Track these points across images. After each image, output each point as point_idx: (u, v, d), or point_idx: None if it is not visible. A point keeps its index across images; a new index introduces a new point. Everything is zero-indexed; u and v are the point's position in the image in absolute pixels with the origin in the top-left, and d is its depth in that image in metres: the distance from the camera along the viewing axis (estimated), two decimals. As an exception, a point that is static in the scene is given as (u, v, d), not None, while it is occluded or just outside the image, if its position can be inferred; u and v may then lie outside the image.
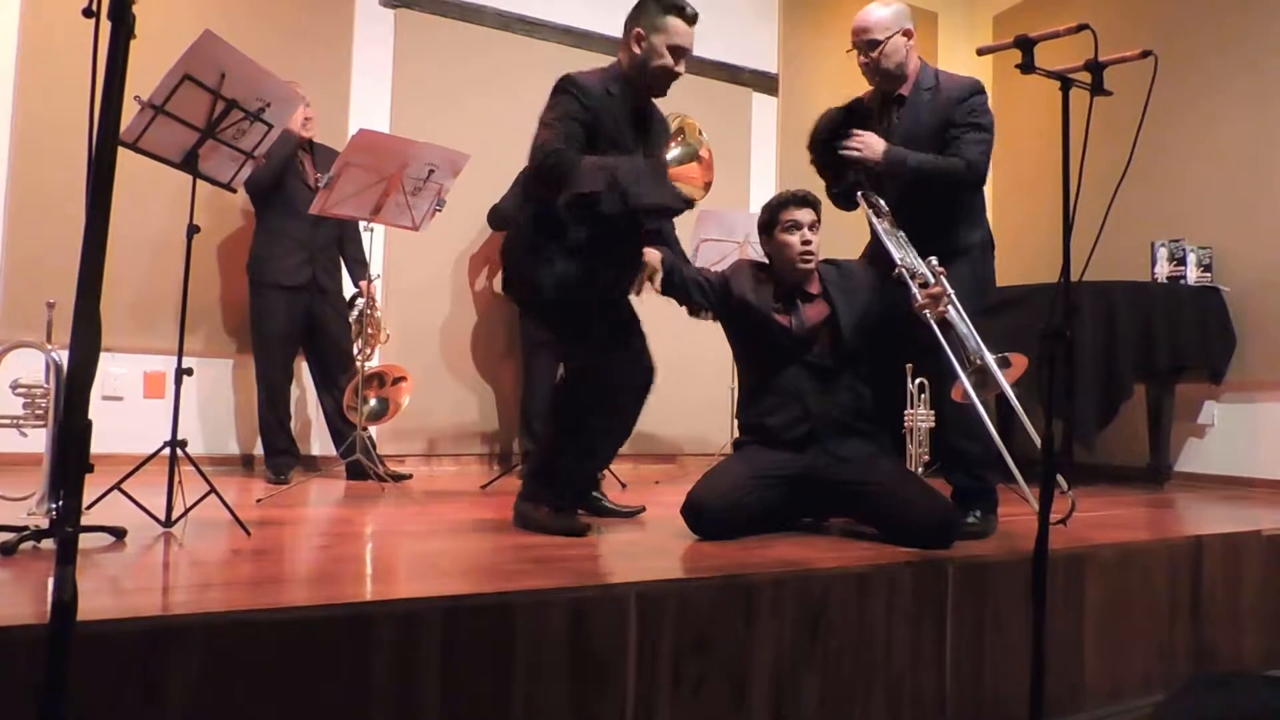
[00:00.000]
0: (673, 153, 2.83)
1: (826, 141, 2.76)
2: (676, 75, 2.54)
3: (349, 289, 4.01)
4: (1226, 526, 2.96)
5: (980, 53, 2.11)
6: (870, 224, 2.64)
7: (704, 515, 2.40)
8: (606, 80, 2.53)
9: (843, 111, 2.79)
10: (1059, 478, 2.39)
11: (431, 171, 3.40)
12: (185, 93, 2.35)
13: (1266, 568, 2.77)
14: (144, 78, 1.98)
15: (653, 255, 2.55)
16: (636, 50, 2.52)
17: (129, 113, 1.96)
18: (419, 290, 4.51)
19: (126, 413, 3.85)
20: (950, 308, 2.37)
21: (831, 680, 1.97)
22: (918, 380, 3.73)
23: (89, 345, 1.08)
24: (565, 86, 2.48)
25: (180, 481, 2.36)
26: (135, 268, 3.90)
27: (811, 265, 2.61)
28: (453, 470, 4.49)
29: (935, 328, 2.36)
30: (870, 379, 2.64)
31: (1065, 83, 1.82)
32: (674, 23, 2.49)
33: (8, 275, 3.74)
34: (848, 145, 2.66)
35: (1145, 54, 1.81)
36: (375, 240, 3.84)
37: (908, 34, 2.67)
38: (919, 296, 2.38)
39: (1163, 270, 4.53)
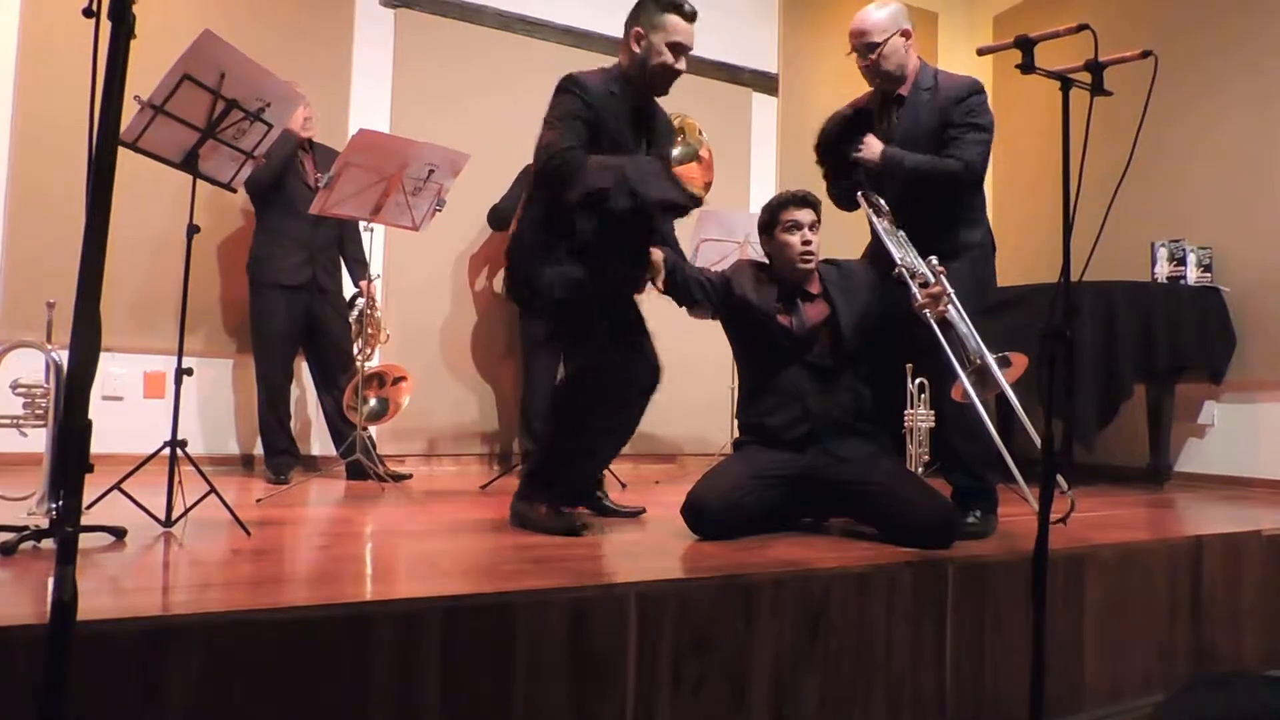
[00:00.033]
0: (673, 152, 2.84)
1: (834, 144, 2.76)
2: (677, 73, 2.53)
3: (349, 289, 4.01)
4: (1226, 526, 2.96)
5: (980, 53, 2.11)
6: (870, 224, 2.64)
7: (704, 515, 2.40)
8: (608, 80, 2.53)
9: (851, 115, 2.78)
10: (1059, 478, 2.39)
11: (431, 171, 3.40)
12: (185, 92, 2.35)
13: (1266, 568, 2.77)
14: (144, 78, 1.98)
15: (655, 255, 2.55)
16: (636, 49, 2.52)
17: (129, 113, 1.96)
18: (419, 290, 4.51)
19: (126, 413, 3.85)
20: (950, 307, 2.37)
21: (831, 680, 1.97)
22: (918, 380, 3.73)
23: (89, 345, 1.08)
24: (568, 86, 2.48)
25: (180, 481, 2.36)
26: (135, 268, 3.90)
27: (812, 265, 2.62)
28: (453, 470, 4.49)
29: (935, 327, 2.36)
30: (870, 379, 2.64)
31: (1065, 83, 1.82)
32: (673, 20, 2.49)
33: (8, 275, 3.74)
34: (856, 148, 2.67)
35: (1145, 54, 1.81)
36: (375, 240, 3.84)
37: (905, 34, 2.67)
38: (919, 296, 2.38)
39: (1163, 270, 4.53)
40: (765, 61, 5.51)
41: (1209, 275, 4.54)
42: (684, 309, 2.76)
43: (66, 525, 1.08)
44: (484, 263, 4.69)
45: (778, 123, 5.52)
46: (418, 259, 4.45)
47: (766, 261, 2.74)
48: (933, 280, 2.40)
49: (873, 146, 2.65)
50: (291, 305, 3.75)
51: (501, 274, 4.68)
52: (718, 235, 4.31)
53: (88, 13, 1.18)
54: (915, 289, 2.40)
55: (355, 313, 3.94)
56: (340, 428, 3.83)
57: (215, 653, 1.43)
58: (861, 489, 2.46)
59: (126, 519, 2.22)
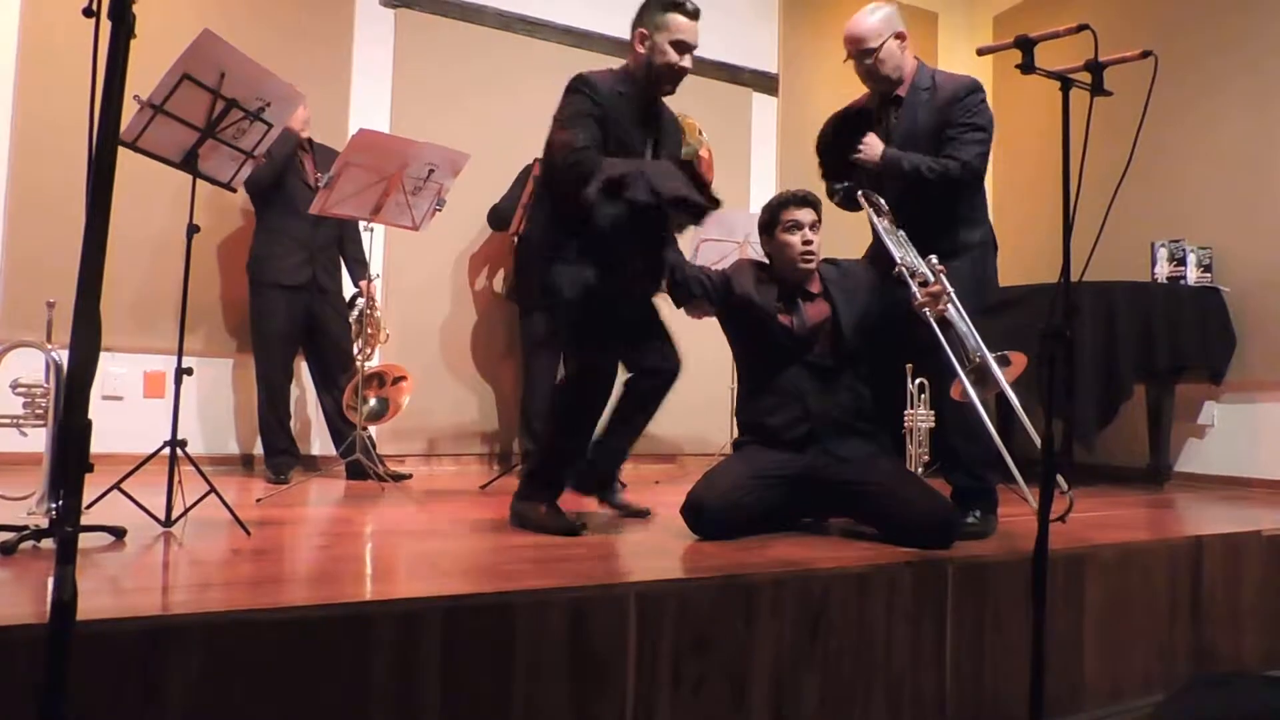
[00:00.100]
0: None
1: (833, 145, 2.76)
2: (683, 70, 2.54)
3: (349, 289, 4.01)
4: (1226, 526, 2.96)
5: (980, 53, 2.11)
6: (871, 223, 2.64)
7: (704, 515, 2.40)
8: (616, 81, 2.55)
9: (851, 115, 2.79)
10: (1059, 478, 2.39)
11: (431, 171, 3.40)
12: (185, 92, 2.35)
13: (1266, 568, 2.77)
14: (144, 77, 1.98)
15: None
16: (641, 49, 2.54)
17: (129, 112, 1.96)
18: (419, 290, 4.51)
19: (126, 412, 3.85)
20: (950, 306, 2.37)
21: (831, 680, 1.97)
22: (918, 380, 3.73)
23: (89, 345, 1.08)
24: (578, 86, 2.49)
25: (180, 481, 2.36)
26: (135, 268, 3.90)
27: (812, 265, 2.62)
28: (453, 470, 4.49)
29: (935, 326, 2.36)
30: (870, 379, 2.64)
31: (1065, 83, 1.81)
32: (676, 19, 2.51)
33: (8, 275, 3.74)
34: (856, 149, 2.67)
35: (1145, 54, 1.81)
36: (375, 240, 3.84)
37: (900, 36, 2.67)
38: (919, 295, 2.38)
39: (1163, 270, 4.53)
40: (765, 61, 5.51)
41: (1209, 275, 4.54)
42: (680, 308, 2.76)
43: (66, 525, 1.08)
44: (484, 263, 4.69)
45: (778, 123, 5.52)
46: (418, 259, 4.45)
47: (767, 261, 2.74)
48: (932, 279, 2.40)
49: (874, 147, 2.65)
50: (291, 305, 3.75)
51: (501, 274, 4.69)
52: (717, 235, 4.31)
53: (88, 12, 1.18)
54: (915, 288, 2.40)
55: (355, 313, 3.94)
56: (340, 427, 3.83)
57: (215, 653, 1.43)
58: (861, 489, 2.46)
59: (126, 519, 2.22)
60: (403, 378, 3.91)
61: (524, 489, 2.61)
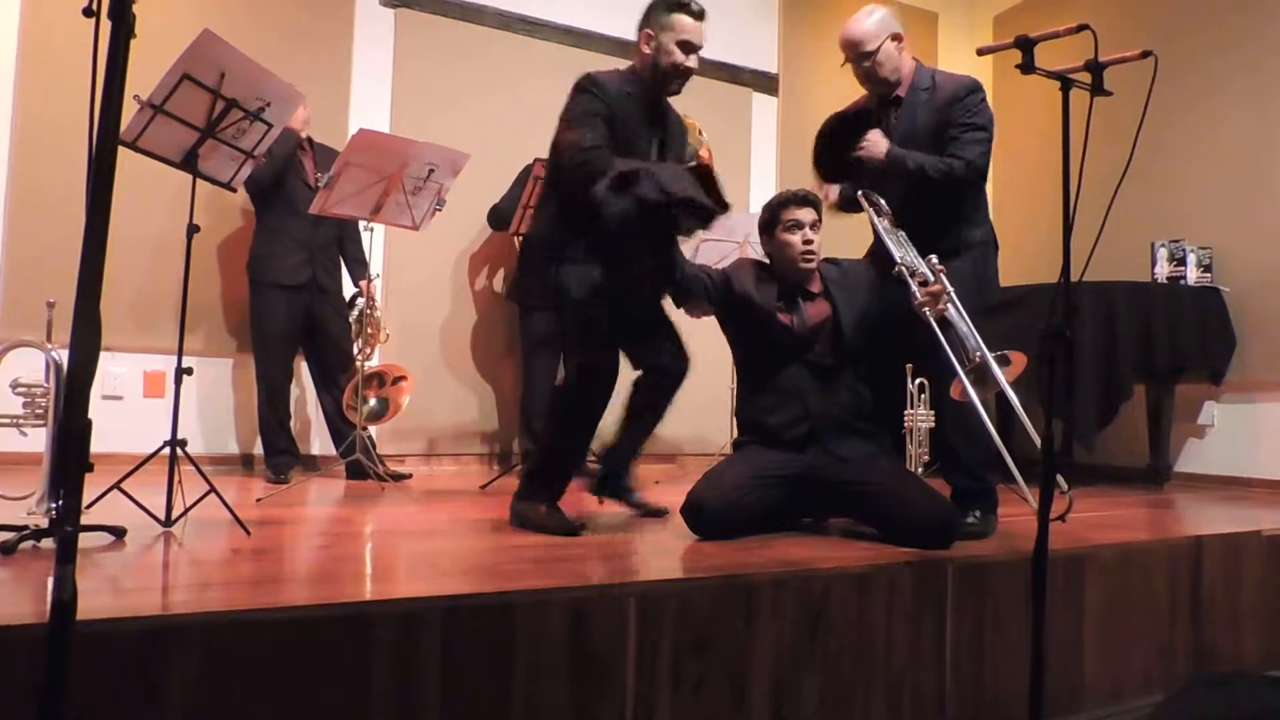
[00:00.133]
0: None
1: (831, 145, 2.75)
2: (689, 70, 2.56)
3: (349, 289, 4.01)
4: (1226, 526, 2.96)
5: (980, 53, 2.10)
6: (871, 223, 2.64)
7: (704, 515, 2.40)
8: (623, 81, 2.56)
9: (850, 115, 2.78)
10: (1059, 478, 2.39)
11: (431, 171, 3.40)
12: (185, 92, 2.35)
13: (1266, 568, 2.77)
14: (144, 77, 1.98)
15: None
16: (647, 50, 2.56)
17: (129, 112, 1.96)
18: (419, 290, 4.51)
19: (126, 412, 3.86)
20: (950, 306, 2.37)
21: (831, 680, 1.97)
22: (918, 380, 3.73)
23: (89, 345, 1.08)
24: (586, 86, 2.49)
25: (180, 481, 2.35)
26: (135, 268, 3.90)
27: (813, 264, 2.62)
28: (452, 470, 4.49)
29: (935, 326, 2.36)
30: (870, 378, 2.64)
31: (1065, 83, 1.81)
32: (681, 19, 2.53)
33: (8, 275, 3.74)
34: (858, 146, 2.65)
35: (1145, 54, 1.81)
36: (375, 240, 3.84)
37: (896, 38, 2.67)
38: (918, 294, 2.38)
39: (1163, 270, 4.53)
40: (765, 61, 5.51)
41: (1209, 275, 4.54)
42: (680, 308, 2.76)
43: (66, 525, 1.08)
44: (484, 262, 4.69)
45: (778, 123, 5.52)
46: (418, 259, 4.45)
47: (767, 261, 2.74)
48: (932, 279, 2.39)
49: (877, 144, 2.63)
50: (291, 305, 3.75)
51: (501, 274, 4.69)
52: (718, 235, 4.30)
53: (88, 12, 1.17)
54: (915, 287, 2.40)
55: (355, 312, 3.94)
56: (340, 427, 3.83)
57: (215, 652, 1.43)
58: (861, 489, 2.46)
59: (126, 518, 2.22)
60: (403, 378, 3.91)
61: (524, 489, 2.61)
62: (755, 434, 2.62)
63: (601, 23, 4.91)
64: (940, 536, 2.30)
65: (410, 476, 3.94)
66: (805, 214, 2.60)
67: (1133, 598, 2.47)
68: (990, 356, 2.29)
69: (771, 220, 2.65)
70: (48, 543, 2.00)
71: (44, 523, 2.02)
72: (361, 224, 3.63)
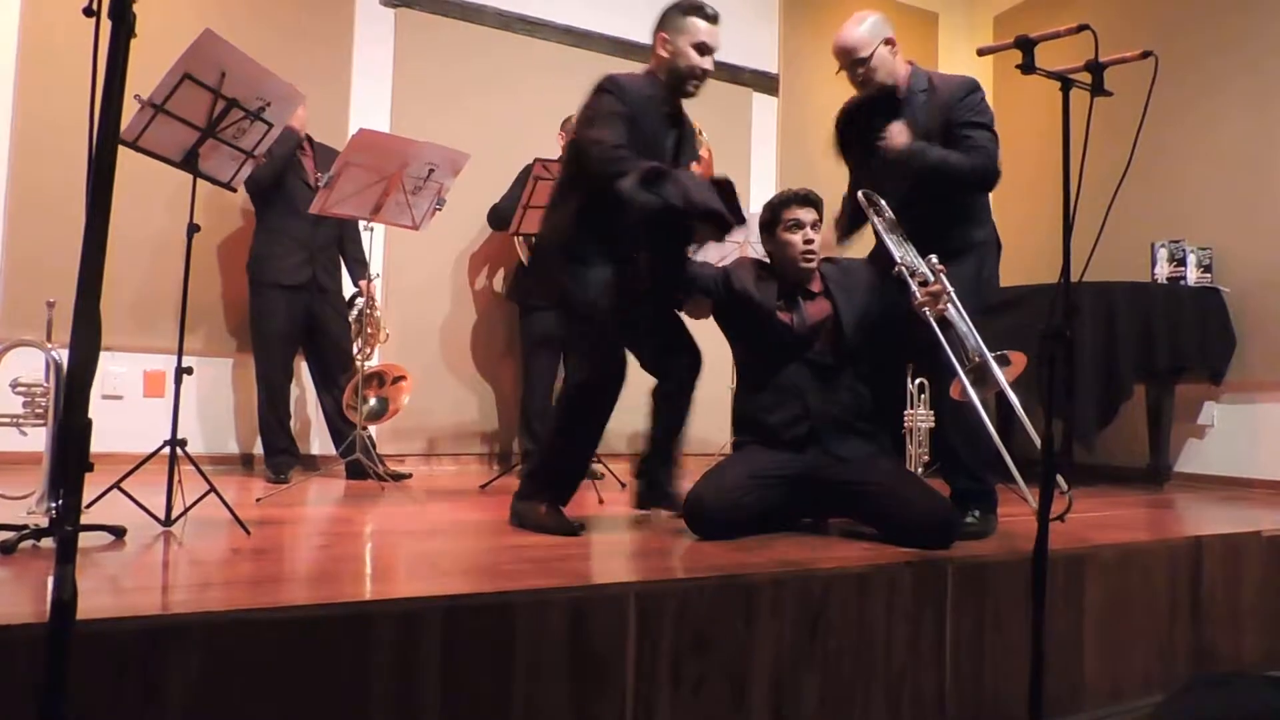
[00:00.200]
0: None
1: (850, 125, 2.71)
2: (705, 72, 2.58)
3: (349, 288, 4.01)
4: (1226, 527, 2.96)
5: (981, 53, 2.10)
6: (871, 223, 2.64)
7: (704, 515, 2.40)
8: (644, 84, 2.57)
9: (873, 98, 2.72)
10: (1058, 478, 2.39)
11: (431, 171, 3.40)
12: (185, 92, 2.35)
13: (1266, 568, 2.77)
14: (144, 77, 1.98)
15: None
16: (664, 54, 2.57)
17: (129, 112, 1.96)
18: (419, 290, 4.51)
19: (126, 412, 3.86)
20: (950, 306, 2.37)
21: (831, 680, 1.97)
22: (918, 380, 3.73)
23: (89, 344, 1.08)
24: (608, 87, 2.50)
25: (180, 480, 2.35)
26: (135, 267, 3.90)
27: (814, 264, 2.62)
28: (452, 470, 4.49)
29: (934, 326, 2.36)
30: (870, 378, 2.64)
31: (1065, 83, 1.81)
32: (696, 23, 2.55)
33: (8, 275, 3.74)
34: (879, 136, 2.62)
35: (1145, 54, 1.81)
36: (375, 240, 3.84)
37: (889, 43, 2.66)
38: (919, 294, 2.38)
39: (1163, 271, 4.53)
40: (765, 61, 5.51)
41: (1209, 275, 4.54)
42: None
43: (66, 524, 1.08)
44: (484, 262, 4.69)
45: (778, 123, 5.51)
46: (418, 259, 4.45)
47: (767, 261, 2.74)
48: (932, 279, 2.40)
49: (899, 136, 2.59)
50: (291, 305, 3.75)
51: (501, 274, 4.69)
52: (718, 235, 4.30)
53: (88, 12, 1.17)
54: (915, 287, 2.40)
55: (355, 312, 3.94)
56: (340, 427, 3.83)
57: (215, 652, 1.43)
58: (861, 489, 2.46)
59: (126, 518, 2.22)
60: (402, 377, 3.91)
61: (524, 489, 2.61)
62: (755, 433, 2.62)
63: (601, 23, 4.91)
64: (940, 536, 2.30)
65: (410, 476, 3.94)
66: (806, 213, 2.60)
67: (1133, 598, 2.47)
68: (990, 356, 2.29)
69: (772, 219, 2.65)
70: (48, 542, 2.00)
71: (44, 522, 2.02)
72: (361, 224, 3.63)
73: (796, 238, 2.59)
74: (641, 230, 2.45)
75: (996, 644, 2.20)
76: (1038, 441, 1.79)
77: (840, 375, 2.58)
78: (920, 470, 3.72)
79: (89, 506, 2.19)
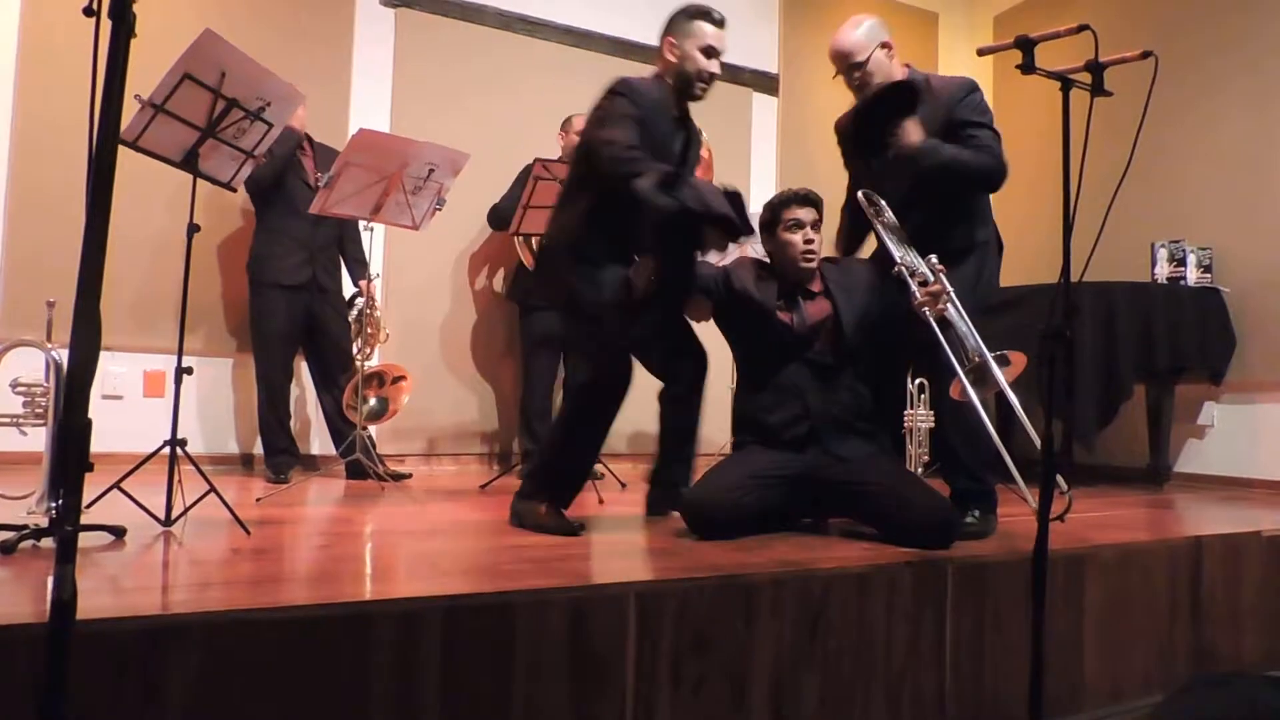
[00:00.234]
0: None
1: (866, 120, 2.70)
2: (713, 75, 2.59)
3: (349, 288, 4.01)
4: (1226, 527, 2.96)
5: (981, 53, 2.10)
6: (871, 222, 2.64)
7: (704, 515, 2.40)
8: (654, 87, 2.58)
9: (893, 91, 2.70)
10: (1058, 478, 2.38)
11: (431, 171, 3.40)
12: (185, 92, 2.35)
13: (1266, 568, 2.77)
14: (144, 77, 1.98)
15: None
16: (671, 58, 2.59)
17: (129, 112, 1.96)
18: (419, 290, 4.51)
19: (126, 412, 3.86)
20: (950, 306, 2.37)
21: (831, 680, 1.97)
22: (918, 380, 3.73)
23: (89, 344, 1.08)
24: (621, 89, 2.50)
25: (180, 480, 2.35)
26: (135, 267, 3.90)
27: (814, 264, 2.62)
28: (452, 470, 4.49)
29: (934, 326, 2.36)
30: (870, 378, 2.64)
31: (1065, 83, 1.81)
32: (702, 26, 2.57)
33: (8, 275, 3.74)
34: (891, 133, 2.59)
35: (1145, 54, 1.81)
36: (375, 240, 3.84)
37: (886, 46, 2.66)
38: (918, 294, 2.38)
39: (1163, 271, 4.53)
40: (765, 61, 5.51)
41: (1209, 276, 4.54)
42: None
43: (66, 524, 1.08)
44: (484, 262, 4.69)
45: (778, 123, 5.51)
46: (418, 259, 4.45)
47: (767, 261, 2.74)
48: (932, 279, 2.40)
49: (913, 133, 2.57)
50: (291, 305, 3.75)
51: (501, 274, 4.69)
52: (718, 235, 4.31)
53: (88, 12, 1.17)
54: (915, 287, 2.40)
55: (355, 312, 3.94)
56: (340, 427, 3.83)
57: (215, 652, 1.43)
58: (861, 489, 2.46)
59: (126, 518, 2.22)
60: (402, 377, 3.91)
61: (525, 488, 2.61)
62: (754, 432, 2.62)
63: (602, 23, 4.91)
64: (940, 536, 2.30)
65: (410, 476, 3.94)
66: (806, 213, 2.60)
67: (1133, 598, 2.47)
68: (990, 356, 2.29)
69: (773, 219, 2.65)
70: (48, 542, 2.00)
71: (44, 522, 2.02)
72: (361, 224, 3.63)
73: (796, 237, 2.59)
74: (654, 232, 2.45)
75: (996, 644, 2.20)
76: (1038, 441, 1.79)
77: (840, 375, 2.58)
78: (920, 470, 3.72)
79: (89, 506, 2.19)
